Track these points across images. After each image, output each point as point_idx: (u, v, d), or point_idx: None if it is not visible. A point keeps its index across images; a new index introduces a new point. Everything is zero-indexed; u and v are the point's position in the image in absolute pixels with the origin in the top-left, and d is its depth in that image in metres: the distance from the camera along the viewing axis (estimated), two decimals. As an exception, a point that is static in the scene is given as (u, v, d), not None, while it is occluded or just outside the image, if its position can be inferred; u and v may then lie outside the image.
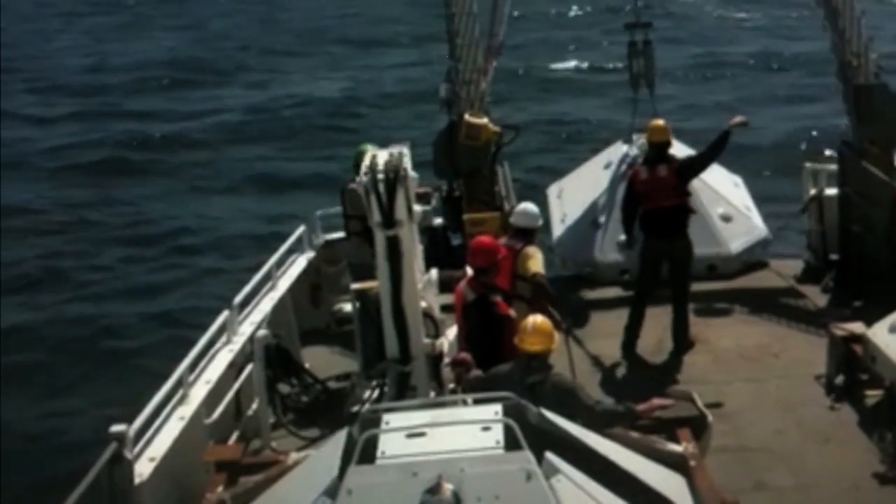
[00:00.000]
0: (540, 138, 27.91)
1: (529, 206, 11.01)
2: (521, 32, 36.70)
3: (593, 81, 35.75)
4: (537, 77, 36.63)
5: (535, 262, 10.19)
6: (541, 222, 11.12)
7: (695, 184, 12.66)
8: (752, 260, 14.29)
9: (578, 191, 14.98)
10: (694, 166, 12.02)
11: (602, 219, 13.77)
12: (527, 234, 10.59)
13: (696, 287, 13.11)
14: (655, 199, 11.73)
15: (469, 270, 9.48)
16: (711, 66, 37.48)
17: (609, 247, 13.73)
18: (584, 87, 35.49)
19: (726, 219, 14.15)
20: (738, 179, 15.40)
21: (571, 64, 38.94)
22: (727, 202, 14.39)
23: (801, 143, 26.08)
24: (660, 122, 12.04)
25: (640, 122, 14.03)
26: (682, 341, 11.97)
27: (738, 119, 12.01)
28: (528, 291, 10.06)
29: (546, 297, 10.01)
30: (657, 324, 12.28)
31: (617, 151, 14.75)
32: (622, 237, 12.46)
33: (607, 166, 14.62)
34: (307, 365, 11.25)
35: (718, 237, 13.91)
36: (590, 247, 14.02)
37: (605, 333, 12.44)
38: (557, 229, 14.49)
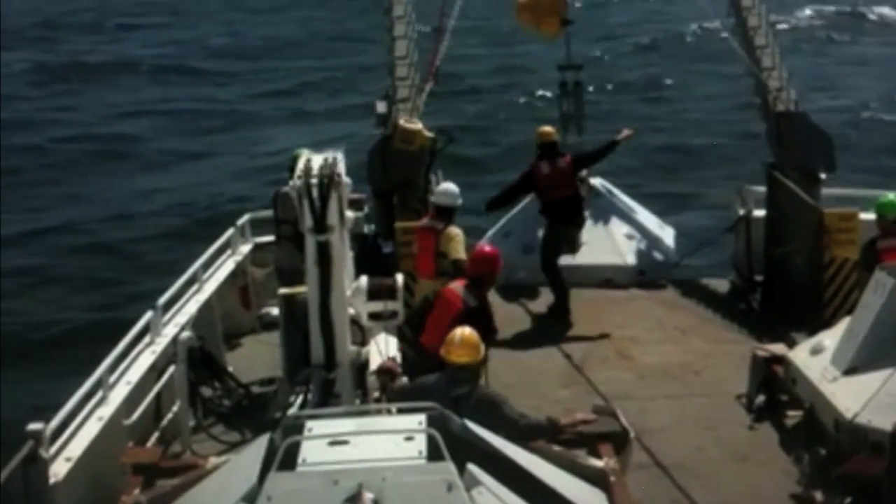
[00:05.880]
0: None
1: (450, 186, 11.65)
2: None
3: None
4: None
5: (458, 244, 10.90)
6: (460, 202, 11.56)
7: (610, 209, 15.05)
8: (652, 278, 14.67)
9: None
10: (585, 160, 13.83)
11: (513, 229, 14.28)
12: (448, 214, 11.06)
13: (624, 301, 13.82)
14: (556, 190, 13.37)
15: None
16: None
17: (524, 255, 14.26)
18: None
19: (629, 237, 14.96)
20: (669, 228, 15.81)
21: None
22: (635, 226, 15.14)
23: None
24: (546, 126, 13.73)
25: None
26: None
27: (625, 133, 13.75)
28: (451, 268, 10.70)
29: None
30: (582, 339, 12.56)
31: None
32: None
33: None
34: (231, 368, 11.14)
35: (617, 250, 14.68)
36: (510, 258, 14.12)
37: (531, 342, 12.61)
38: None
